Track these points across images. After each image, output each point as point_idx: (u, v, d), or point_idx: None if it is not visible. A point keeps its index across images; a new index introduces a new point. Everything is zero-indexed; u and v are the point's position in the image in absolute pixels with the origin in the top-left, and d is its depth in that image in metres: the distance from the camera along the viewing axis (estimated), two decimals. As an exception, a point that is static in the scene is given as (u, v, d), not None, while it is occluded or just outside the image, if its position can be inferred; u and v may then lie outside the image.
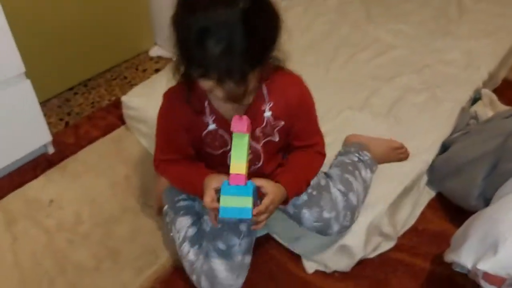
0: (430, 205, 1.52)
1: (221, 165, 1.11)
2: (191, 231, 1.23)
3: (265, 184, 1.03)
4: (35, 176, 1.57)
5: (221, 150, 1.11)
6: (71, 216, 1.45)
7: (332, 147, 1.38)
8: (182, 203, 1.29)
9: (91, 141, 1.71)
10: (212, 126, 1.07)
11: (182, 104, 1.04)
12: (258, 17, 0.85)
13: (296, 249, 1.36)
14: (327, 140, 1.24)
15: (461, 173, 1.38)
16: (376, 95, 1.68)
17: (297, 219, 1.22)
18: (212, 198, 1.00)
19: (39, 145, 1.59)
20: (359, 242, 1.28)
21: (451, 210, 1.48)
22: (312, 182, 1.20)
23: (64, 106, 1.88)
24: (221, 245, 1.17)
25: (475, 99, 1.75)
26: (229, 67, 0.83)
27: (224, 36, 0.81)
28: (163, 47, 2.13)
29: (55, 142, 1.67)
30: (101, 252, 1.36)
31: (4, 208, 1.47)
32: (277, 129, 1.11)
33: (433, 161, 1.50)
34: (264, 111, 1.07)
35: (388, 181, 1.39)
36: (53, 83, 1.85)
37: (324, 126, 1.24)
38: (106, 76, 2.03)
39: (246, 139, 0.96)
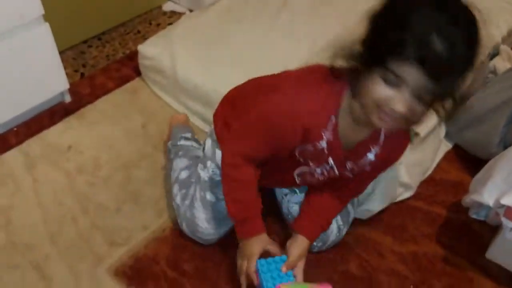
0: (446, 157, 1.53)
1: (293, 163, 1.02)
2: (183, 174, 1.23)
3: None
4: (53, 123, 1.58)
5: (305, 161, 1.00)
6: (90, 160, 1.46)
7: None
8: (183, 142, 1.29)
9: (106, 91, 1.71)
10: (323, 143, 0.93)
11: (311, 102, 0.88)
12: (477, 36, 0.75)
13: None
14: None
15: (482, 121, 1.38)
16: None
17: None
18: (254, 269, 1.01)
19: (57, 92, 1.59)
20: (378, 199, 1.29)
21: (467, 161, 1.49)
22: None
23: (79, 58, 1.87)
24: (210, 196, 1.16)
25: (493, 55, 1.74)
26: (450, 65, 0.72)
27: (451, 37, 0.71)
28: (176, 2, 2.10)
29: (71, 92, 1.67)
30: (121, 194, 1.37)
31: (24, 152, 1.48)
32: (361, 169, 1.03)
33: (451, 113, 1.51)
34: (369, 151, 0.98)
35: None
36: (68, 34, 1.84)
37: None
38: (120, 30, 2.02)
39: None
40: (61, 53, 1.81)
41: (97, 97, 1.69)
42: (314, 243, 1.17)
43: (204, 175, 1.19)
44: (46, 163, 1.45)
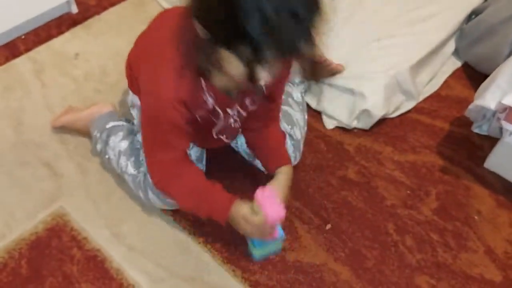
0: (454, 74, 1.51)
1: (203, 128, 1.03)
2: (123, 144, 1.16)
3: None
4: (61, 32, 1.58)
5: (209, 121, 1.01)
6: (97, 68, 1.48)
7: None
8: (112, 123, 1.21)
9: (112, 3, 1.70)
10: (210, 102, 0.95)
11: (180, 80, 0.88)
12: None
13: (317, 107, 1.39)
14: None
15: (493, 34, 1.36)
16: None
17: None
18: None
19: (64, 0, 1.58)
20: (379, 103, 1.30)
21: (475, 79, 1.47)
22: None
23: (85, -30, 1.84)
24: None
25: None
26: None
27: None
28: None
29: (78, 3, 1.66)
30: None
31: (32, 58, 1.50)
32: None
33: (463, 29, 1.48)
34: None
35: (415, 42, 1.37)
36: None
37: None
38: None
39: None
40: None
41: (103, 8, 1.68)
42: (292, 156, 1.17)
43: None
44: (54, 69, 1.47)
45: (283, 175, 1.07)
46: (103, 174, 1.24)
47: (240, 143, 1.21)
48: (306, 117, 1.28)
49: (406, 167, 1.28)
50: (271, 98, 1.08)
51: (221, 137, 1.08)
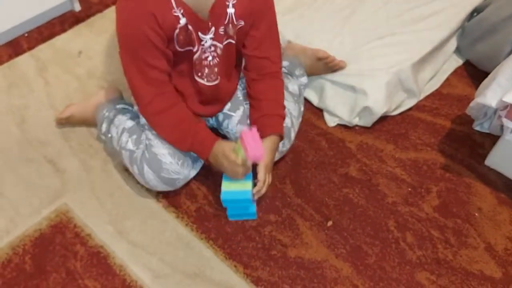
0: (456, 73, 1.51)
1: (183, 63, 1.07)
2: (129, 123, 1.19)
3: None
4: (64, 30, 1.59)
5: (186, 48, 1.05)
6: (100, 66, 1.49)
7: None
8: (121, 105, 1.26)
9: (115, 1, 1.70)
10: (183, 21, 0.99)
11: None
12: None
13: (319, 104, 1.39)
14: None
15: (495, 32, 1.36)
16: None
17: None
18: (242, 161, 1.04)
19: (66, -2, 1.60)
20: (381, 101, 1.30)
21: (477, 77, 1.47)
22: None
23: (88, -32, 1.85)
24: None
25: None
26: None
27: None
28: None
29: (81, 1, 1.67)
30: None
31: (35, 56, 1.51)
32: (236, 28, 1.06)
33: (465, 27, 1.48)
34: (227, 7, 1.02)
35: (417, 40, 1.37)
36: None
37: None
38: None
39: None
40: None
41: (106, 6, 1.69)
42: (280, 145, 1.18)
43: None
44: (57, 67, 1.49)
45: (269, 140, 1.10)
46: (106, 171, 1.25)
47: (231, 127, 1.22)
48: (302, 109, 1.30)
49: (407, 165, 1.28)
50: (256, 42, 1.11)
51: (201, 80, 1.11)
